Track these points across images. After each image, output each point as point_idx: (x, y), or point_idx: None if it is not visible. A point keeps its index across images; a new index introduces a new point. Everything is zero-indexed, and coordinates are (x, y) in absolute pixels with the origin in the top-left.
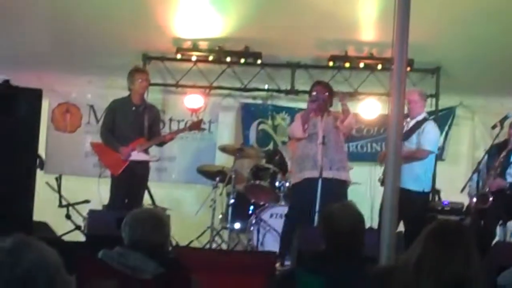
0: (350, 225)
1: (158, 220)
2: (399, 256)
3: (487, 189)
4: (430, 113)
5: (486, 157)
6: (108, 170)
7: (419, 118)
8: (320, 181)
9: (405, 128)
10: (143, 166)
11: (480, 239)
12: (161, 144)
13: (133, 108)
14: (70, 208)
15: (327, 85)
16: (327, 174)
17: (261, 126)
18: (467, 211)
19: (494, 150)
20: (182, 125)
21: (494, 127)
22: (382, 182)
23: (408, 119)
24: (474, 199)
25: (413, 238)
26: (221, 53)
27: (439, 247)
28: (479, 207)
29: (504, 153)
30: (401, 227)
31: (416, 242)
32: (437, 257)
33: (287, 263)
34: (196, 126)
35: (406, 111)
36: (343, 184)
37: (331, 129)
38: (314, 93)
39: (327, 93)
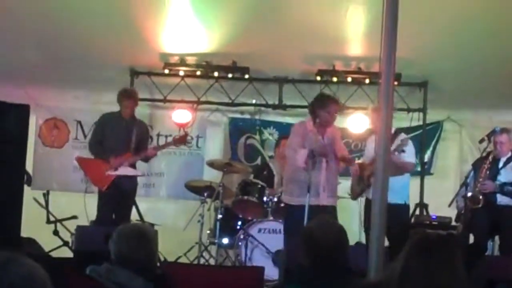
0: (331, 241)
1: (144, 236)
2: (385, 269)
3: (477, 192)
4: (417, 127)
5: (472, 171)
6: (94, 185)
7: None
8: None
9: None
10: (131, 182)
11: (469, 252)
12: (146, 159)
13: (123, 123)
14: (58, 224)
15: (338, 104)
16: (327, 201)
17: (249, 141)
18: (458, 219)
19: (480, 164)
20: (169, 140)
21: (481, 141)
22: (354, 197)
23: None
24: (468, 195)
25: (398, 251)
26: (209, 68)
27: (423, 260)
28: (470, 207)
29: (490, 159)
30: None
31: (400, 255)
32: (421, 270)
33: None
34: (181, 140)
35: None
36: (335, 210)
37: (332, 144)
38: (328, 114)
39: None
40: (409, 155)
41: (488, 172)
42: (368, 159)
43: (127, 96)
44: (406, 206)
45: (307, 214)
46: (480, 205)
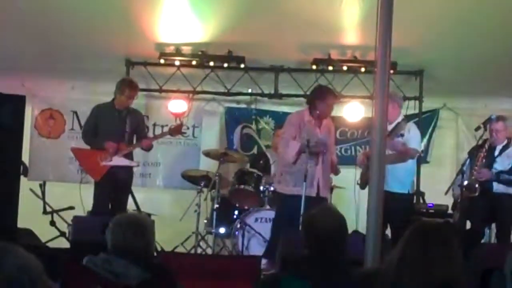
0: (332, 228)
1: (141, 226)
2: (384, 258)
3: (474, 180)
4: (413, 116)
5: (469, 159)
6: (89, 176)
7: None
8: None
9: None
10: (126, 172)
11: (466, 239)
12: (148, 149)
13: (116, 113)
14: (55, 214)
15: (337, 96)
16: (322, 193)
17: (245, 130)
18: (454, 208)
19: (476, 152)
20: (166, 130)
21: (477, 128)
22: (362, 185)
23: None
24: (464, 184)
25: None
26: (204, 58)
27: (421, 248)
28: (467, 196)
29: (486, 147)
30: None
31: (398, 243)
32: (419, 258)
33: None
34: (177, 130)
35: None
36: (327, 201)
37: (327, 136)
38: (327, 106)
39: None
40: (412, 141)
41: (484, 161)
42: None
43: (133, 88)
44: (409, 195)
45: (303, 204)
46: (476, 194)
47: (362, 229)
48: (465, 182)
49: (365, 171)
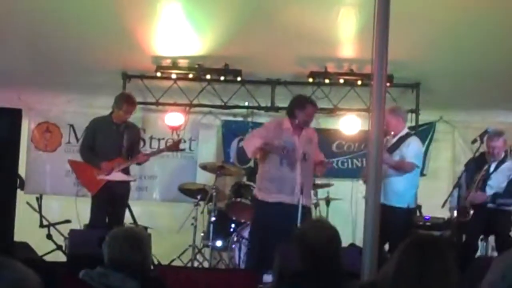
0: (325, 242)
1: (137, 239)
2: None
3: (467, 203)
4: (410, 128)
5: (465, 172)
6: (86, 189)
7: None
8: (299, 208)
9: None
10: (124, 186)
11: (461, 253)
12: (138, 163)
13: (114, 127)
14: (51, 228)
15: (316, 106)
16: (303, 201)
17: (242, 143)
18: (448, 224)
19: (472, 165)
20: (162, 144)
21: (474, 141)
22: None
23: (388, 137)
24: (455, 212)
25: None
26: (201, 71)
27: (416, 261)
28: (459, 221)
29: (485, 167)
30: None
31: (393, 256)
32: (415, 271)
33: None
34: (175, 146)
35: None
36: (309, 211)
37: (308, 145)
38: (305, 115)
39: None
40: (409, 155)
41: (481, 183)
42: None
43: (131, 103)
44: (408, 209)
45: (287, 213)
46: (467, 219)
47: (359, 242)
48: (455, 208)
49: None
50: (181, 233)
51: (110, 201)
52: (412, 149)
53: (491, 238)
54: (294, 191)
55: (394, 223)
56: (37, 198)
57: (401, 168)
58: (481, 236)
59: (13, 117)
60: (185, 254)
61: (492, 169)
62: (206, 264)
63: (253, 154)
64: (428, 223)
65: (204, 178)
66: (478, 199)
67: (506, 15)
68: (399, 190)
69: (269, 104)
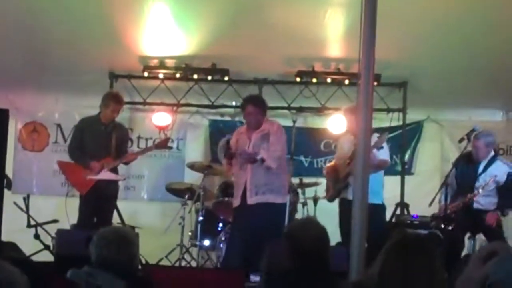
0: (314, 240)
1: (125, 239)
2: (366, 270)
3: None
4: (397, 127)
5: (454, 170)
6: (75, 189)
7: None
8: (245, 209)
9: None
10: (112, 185)
11: (449, 245)
12: (126, 162)
13: (102, 127)
14: (39, 228)
15: (257, 103)
16: (251, 201)
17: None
18: (435, 218)
19: (461, 162)
20: (150, 143)
21: (461, 140)
22: (329, 199)
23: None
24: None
25: (376, 252)
26: (188, 71)
27: (401, 260)
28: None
29: (469, 196)
30: None
31: (379, 255)
32: (399, 270)
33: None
34: (163, 144)
35: None
36: (271, 207)
37: (265, 143)
38: (247, 115)
39: (259, 112)
40: (384, 152)
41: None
42: (341, 160)
43: (118, 101)
44: (383, 206)
45: (240, 215)
46: (450, 228)
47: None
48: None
49: (332, 185)
50: (169, 232)
51: (99, 201)
52: (385, 145)
53: (478, 236)
54: (238, 193)
55: (374, 220)
56: (24, 198)
57: (380, 166)
58: (468, 235)
59: (0, 117)
60: (173, 253)
61: (481, 169)
62: (194, 264)
63: (228, 173)
64: (415, 222)
65: (192, 178)
66: (492, 220)
67: (492, 14)
68: (373, 188)
69: None
